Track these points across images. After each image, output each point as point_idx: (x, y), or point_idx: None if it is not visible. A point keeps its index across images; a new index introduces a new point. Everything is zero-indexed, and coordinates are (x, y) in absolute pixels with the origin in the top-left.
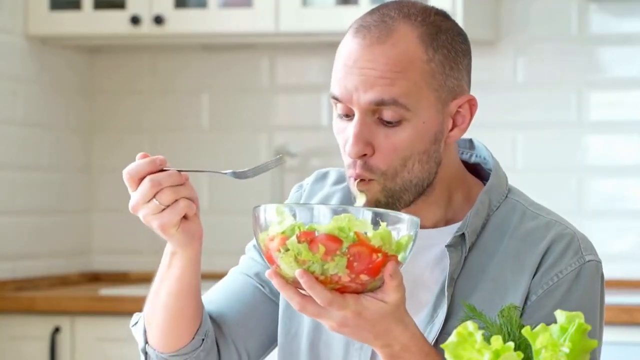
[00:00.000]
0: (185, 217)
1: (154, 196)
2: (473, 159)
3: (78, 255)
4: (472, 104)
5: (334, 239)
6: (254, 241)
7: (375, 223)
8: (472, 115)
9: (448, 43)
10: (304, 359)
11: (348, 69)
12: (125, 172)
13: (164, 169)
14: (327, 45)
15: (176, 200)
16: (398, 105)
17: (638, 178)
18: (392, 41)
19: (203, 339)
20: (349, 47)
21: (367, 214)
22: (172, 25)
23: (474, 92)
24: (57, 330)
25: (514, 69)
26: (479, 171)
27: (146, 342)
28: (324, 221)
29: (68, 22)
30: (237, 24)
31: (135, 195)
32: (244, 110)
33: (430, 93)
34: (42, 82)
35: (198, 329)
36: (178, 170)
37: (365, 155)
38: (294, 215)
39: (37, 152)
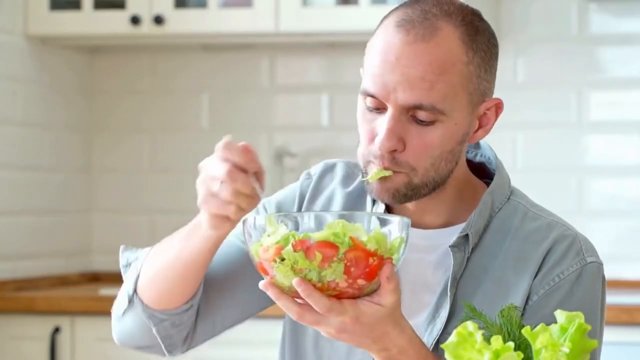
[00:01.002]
0: None
1: (237, 199)
2: (478, 159)
3: (78, 255)
4: (498, 107)
5: (330, 245)
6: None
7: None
8: (497, 117)
9: (485, 45)
10: (309, 352)
11: (389, 65)
12: (242, 145)
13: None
14: (327, 45)
15: (242, 209)
16: (435, 110)
17: (638, 178)
18: (436, 40)
19: (192, 305)
20: (390, 42)
21: (362, 218)
22: (172, 25)
23: None
24: (57, 330)
25: (514, 69)
26: (483, 170)
27: (135, 290)
28: (317, 228)
29: (68, 22)
30: (237, 24)
31: (227, 176)
32: (244, 110)
33: (465, 96)
34: (41, 82)
35: (192, 297)
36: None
37: (395, 150)
38: (287, 225)
39: (36, 152)
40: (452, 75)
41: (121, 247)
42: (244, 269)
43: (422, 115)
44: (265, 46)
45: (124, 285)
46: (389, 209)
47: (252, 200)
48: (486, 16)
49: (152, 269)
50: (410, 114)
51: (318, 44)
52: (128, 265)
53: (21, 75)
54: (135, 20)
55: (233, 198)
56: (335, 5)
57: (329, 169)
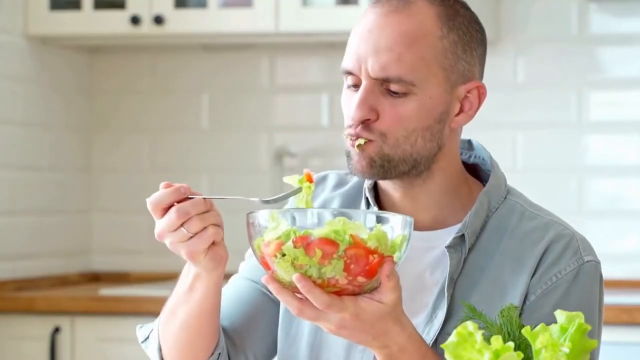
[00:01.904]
0: (212, 243)
1: (182, 225)
2: (472, 160)
3: (78, 255)
4: (481, 92)
5: (330, 242)
6: None
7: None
8: (480, 102)
9: (464, 26)
10: None
11: (363, 38)
12: (149, 202)
13: (189, 196)
14: (327, 45)
15: (204, 228)
16: (403, 82)
17: (638, 178)
18: (409, 12)
19: (220, 353)
20: (366, 18)
21: (363, 216)
22: (172, 25)
23: None
24: (57, 330)
25: (514, 69)
26: (477, 172)
27: (162, 358)
28: (318, 225)
29: (68, 22)
30: (237, 24)
31: (161, 224)
32: (244, 110)
33: (439, 71)
34: (41, 82)
35: (216, 346)
36: (203, 198)
37: (368, 120)
38: (289, 220)
39: (37, 152)
40: (422, 47)
41: (137, 327)
42: (259, 302)
43: (394, 87)
44: (265, 46)
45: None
46: (382, 210)
47: (210, 210)
48: (486, 16)
49: (167, 334)
50: (384, 87)
51: (318, 44)
52: (146, 338)
53: (21, 75)
54: (135, 20)
55: (202, 224)
56: (335, 5)
57: (320, 181)
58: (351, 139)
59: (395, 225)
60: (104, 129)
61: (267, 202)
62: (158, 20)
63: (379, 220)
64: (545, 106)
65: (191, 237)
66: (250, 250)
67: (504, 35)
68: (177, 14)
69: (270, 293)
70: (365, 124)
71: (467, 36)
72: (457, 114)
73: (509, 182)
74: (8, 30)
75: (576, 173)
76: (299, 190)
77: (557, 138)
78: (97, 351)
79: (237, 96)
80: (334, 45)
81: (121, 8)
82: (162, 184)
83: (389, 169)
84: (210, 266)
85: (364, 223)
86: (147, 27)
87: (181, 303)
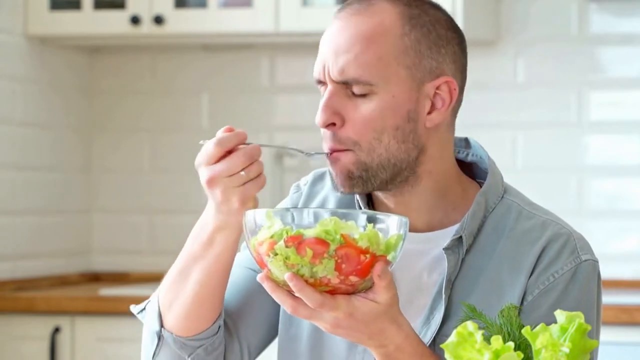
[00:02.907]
0: None
1: (243, 169)
2: (469, 158)
3: (78, 255)
4: (451, 87)
5: (321, 242)
6: None
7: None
8: (452, 99)
9: (430, 24)
10: None
11: (324, 42)
12: (216, 142)
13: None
14: None
15: (259, 174)
16: (361, 82)
17: (638, 178)
18: (369, 12)
19: (220, 326)
20: (331, 24)
21: (357, 216)
22: (172, 25)
23: (473, 92)
24: (57, 330)
25: (514, 69)
26: (474, 170)
27: (161, 325)
28: (315, 224)
29: (68, 22)
30: (237, 24)
31: (220, 167)
32: (244, 110)
33: (401, 69)
34: (41, 82)
35: (218, 315)
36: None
37: (334, 125)
38: (283, 220)
39: (37, 152)
40: (380, 45)
41: (130, 306)
42: (255, 289)
43: (355, 89)
44: (265, 46)
45: (145, 329)
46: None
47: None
48: (486, 16)
49: (172, 298)
50: (348, 89)
51: (318, 44)
52: (143, 309)
53: (21, 75)
54: (135, 20)
55: (259, 169)
56: (335, 5)
57: (318, 178)
58: (327, 155)
59: (390, 225)
60: (104, 129)
61: (311, 154)
62: (158, 20)
63: (373, 220)
64: (545, 106)
65: (245, 183)
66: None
67: (504, 35)
68: (177, 14)
69: None
70: (334, 133)
71: (434, 34)
72: (429, 112)
73: (510, 182)
74: (8, 30)
75: (576, 173)
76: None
77: (557, 138)
78: (97, 351)
79: (237, 96)
80: None
81: (121, 8)
82: (222, 129)
83: (367, 179)
84: (239, 218)
85: (358, 223)
86: (147, 27)
87: (197, 260)
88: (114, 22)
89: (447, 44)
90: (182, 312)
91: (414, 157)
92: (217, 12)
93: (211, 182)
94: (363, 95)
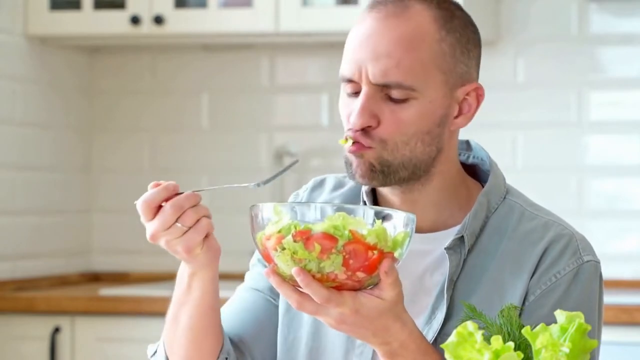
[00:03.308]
0: (206, 236)
1: (176, 220)
2: (471, 160)
3: (78, 255)
4: (479, 93)
5: (329, 237)
6: (258, 255)
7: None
8: (478, 104)
9: (461, 28)
10: None
11: (361, 44)
12: (141, 203)
13: (178, 192)
14: (327, 45)
15: (197, 220)
16: (403, 87)
17: (638, 178)
18: (407, 16)
19: (226, 358)
20: (363, 23)
21: (365, 212)
22: (172, 25)
23: None
24: (57, 330)
25: (514, 69)
26: (476, 172)
27: None
28: (321, 220)
29: (68, 22)
30: (237, 24)
31: (155, 223)
32: (244, 110)
33: (438, 74)
34: (41, 82)
35: (221, 349)
36: (193, 191)
37: (370, 127)
38: (292, 214)
39: (37, 152)
40: (421, 51)
41: (148, 346)
42: (265, 311)
43: (394, 93)
44: (265, 46)
45: None
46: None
47: (203, 208)
48: (486, 16)
49: (172, 341)
50: (385, 92)
51: (318, 44)
52: (155, 352)
53: (21, 75)
54: (135, 20)
55: (196, 216)
56: (335, 5)
57: (317, 185)
58: (350, 145)
59: (398, 222)
60: (104, 129)
61: (259, 185)
62: (158, 20)
63: (381, 216)
64: (545, 106)
65: (185, 232)
66: (254, 259)
67: (504, 35)
68: (177, 14)
69: (276, 301)
70: (365, 130)
71: (464, 38)
72: (456, 117)
73: (510, 182)
74: (8, 30)
75: (576, 173)
76: (290, 166)
77: (557, 138)
78: (97, 351)
79: (237, 96)
80: (334, 45)
81: (121, 8)
82: (150, 185)
83: (388, 175)
84: (205, 260)
85: (366, 219)
86: (147, 27)
87: (181, 306)
88: (114, 22)
89: (474, 47)
90: (183, 354)
91: (432, 158)
92: (217, 12)
93: (153, 238)
94: (402, 100)
